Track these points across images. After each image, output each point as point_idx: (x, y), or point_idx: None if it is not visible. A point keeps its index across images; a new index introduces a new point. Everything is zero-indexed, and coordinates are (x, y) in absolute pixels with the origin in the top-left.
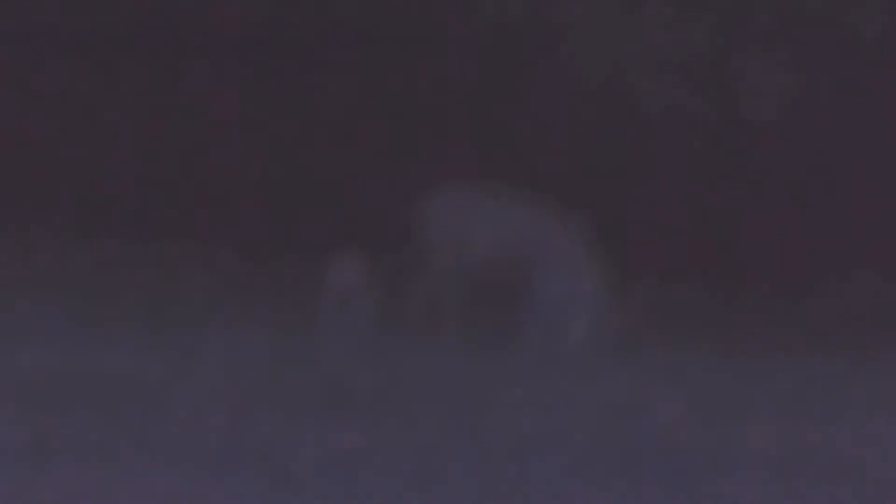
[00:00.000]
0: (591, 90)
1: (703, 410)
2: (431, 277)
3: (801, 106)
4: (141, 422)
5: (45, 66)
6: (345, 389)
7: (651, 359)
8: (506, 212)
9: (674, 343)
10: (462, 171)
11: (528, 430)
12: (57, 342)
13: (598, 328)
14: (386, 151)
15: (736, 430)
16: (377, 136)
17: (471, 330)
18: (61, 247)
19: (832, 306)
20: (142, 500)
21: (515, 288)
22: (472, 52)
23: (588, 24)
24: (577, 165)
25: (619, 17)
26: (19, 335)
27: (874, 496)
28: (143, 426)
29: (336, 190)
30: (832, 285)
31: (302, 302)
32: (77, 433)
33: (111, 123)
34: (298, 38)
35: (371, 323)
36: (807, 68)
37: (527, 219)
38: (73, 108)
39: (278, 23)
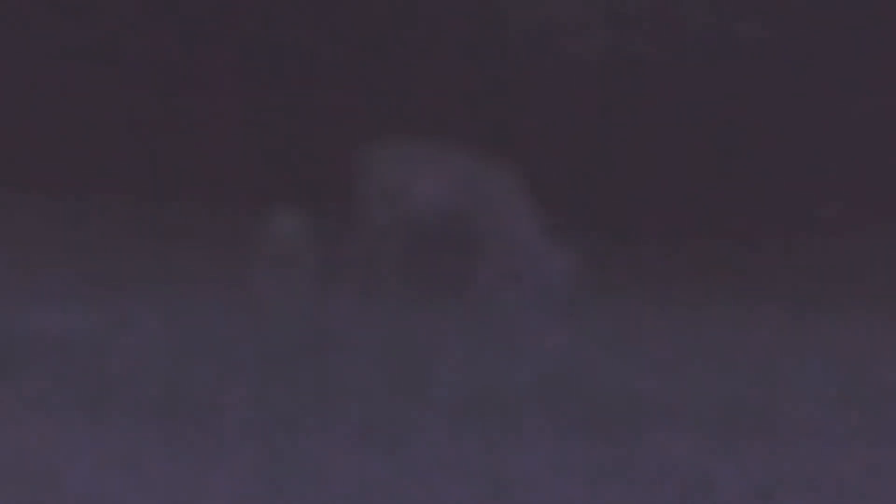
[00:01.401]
0: (528, 40)
1: (640, 362)
2: (371, 231)
3: (748, 54)
4: (81, 378)
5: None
6: (282, 346)
7: (590, 312)
8: (445, 164)
9: (615, 296)
10: (401, 126)
11: (467, 388)
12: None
13: (538, 282)
14: (327, 105)
15: (672, 383)
16: (319, 91)
17: (411, 284)
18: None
19: (774, 258)
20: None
21: (455, 241)
22: (412, 5)
23: None
24: (514, 115)
25: None
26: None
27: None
28: (83, 382)
29: (277, 144)
30: (774, 237)
31: (243, 257)
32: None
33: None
34: None
35: (311, 278)
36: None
37: (465, 170)
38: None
39: None
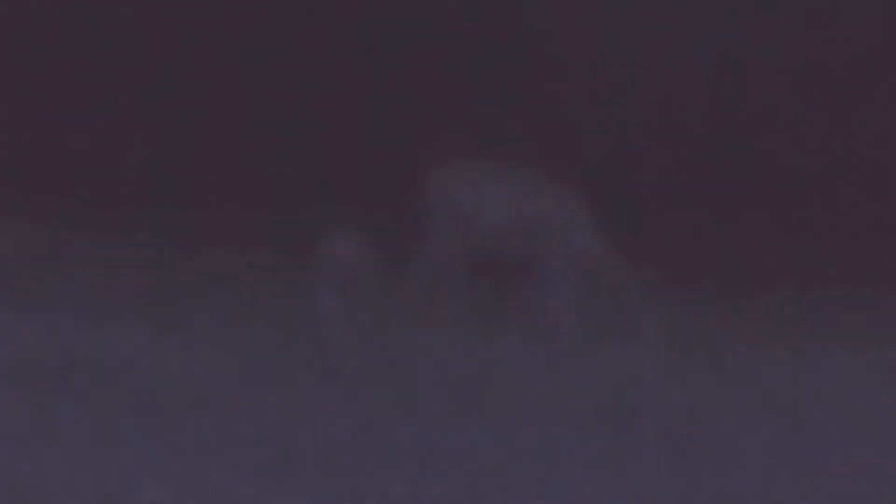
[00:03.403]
0: (586, 61)
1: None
2: (435, 254)
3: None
4: (143, 401)
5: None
6: (345, 368)
7: (656, 331)
8: (510, 185)
9: (684, 315)
10: (466, 147)
11: (529, 402)
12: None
13: (604, 303)
14: (388, 128)
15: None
16: (378, 114)
17: (473, 307)
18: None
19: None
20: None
21: (519, 262)
22: (470, 29)
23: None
24: (578, 136)
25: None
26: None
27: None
28: (145, 406)
29: (337, 166)
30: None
31: (302, 281)
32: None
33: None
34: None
35: (373, 301)
36: None
37: (530, 191)
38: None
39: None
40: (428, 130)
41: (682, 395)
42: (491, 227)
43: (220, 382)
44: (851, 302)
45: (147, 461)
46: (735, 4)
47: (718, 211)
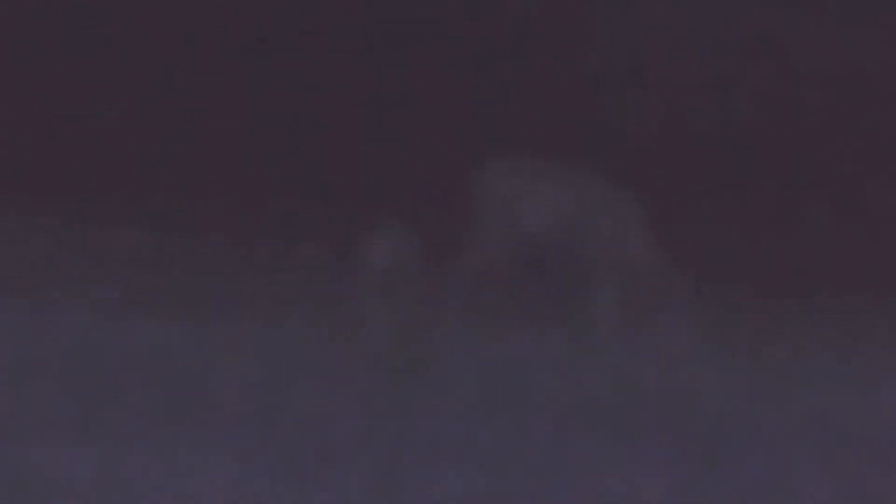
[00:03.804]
0: (630, 71)
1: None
2: (482, 249)
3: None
4: (182, 398)
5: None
6: (384, 364)
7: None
8: (557, 181)
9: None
10: (514, 142)
11: (563, 399)
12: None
13: (650, 302)
14: (436, 123)
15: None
16: (426, 109)
17: (518, 303)
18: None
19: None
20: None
21: (567, 260)
22: (523, 24)
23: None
24: (622, 139)
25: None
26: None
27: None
28: (183, 403)
29: (384, 162)
30: None
31: (346, 277)
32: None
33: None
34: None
35: (418, 296)
36: None
37: (577, 187)
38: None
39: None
40: (476, 127)
41: (719, 396)
42: (538, 224)
43: (261, 379)
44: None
45: (202, 457)
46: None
47: (768, 212)
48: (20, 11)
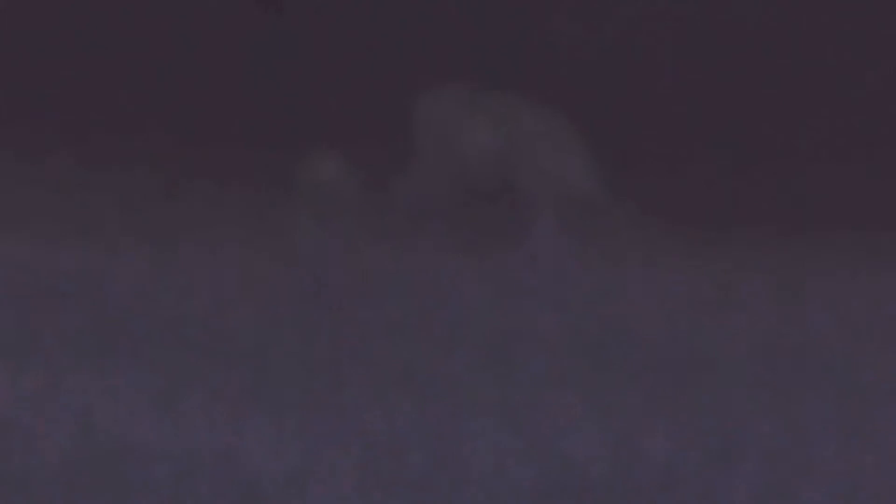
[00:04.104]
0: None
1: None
2: (419, 178)
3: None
4: (125, 318)
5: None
6: (323, 289)
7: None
8: (496, 112)
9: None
10: (453, 73)
11: (501, 326)
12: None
13: (590, 231)
14: (380, 52)
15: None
16: (372, 37)
17: (456, 229)
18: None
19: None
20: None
21: (504, 189)
22: None
23: None
24: (561, 68)
25: None
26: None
27: None
28: (127, 322)
29: (322, 92)
30: None
31: (285, 204)
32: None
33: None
34: None
35: (354, 223)
36: None
37: (517, 118)
38: None
39: None
40: (418, 57)
41: (653, 321)
42: (476, 150)
43: (200, 301)
44: (832, 233)
45: (136, 383)
46: None
47: (703, 142)
48: None
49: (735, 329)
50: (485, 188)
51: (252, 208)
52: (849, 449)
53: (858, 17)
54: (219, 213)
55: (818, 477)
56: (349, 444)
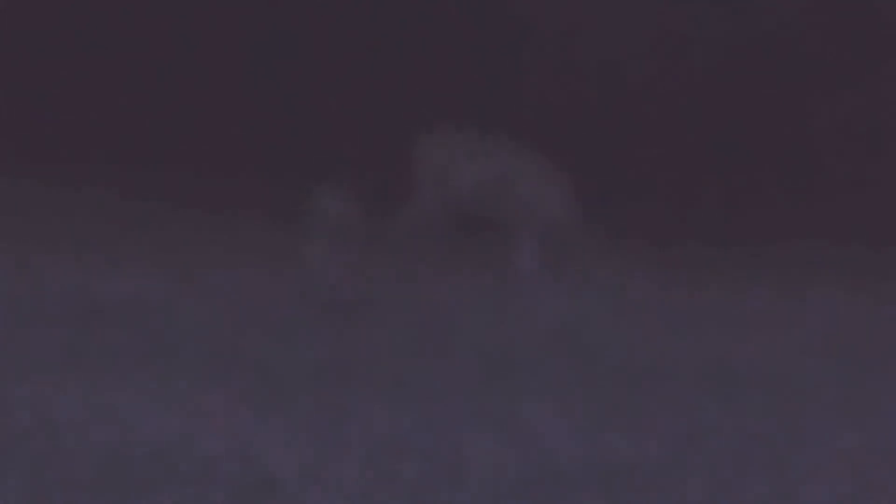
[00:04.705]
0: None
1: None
2: (417, 211)
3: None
4: (147, 338)
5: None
6: (330, 309)
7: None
8: (487, 152)
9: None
10: (449, 115)
11: (488, 340)
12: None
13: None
14: (378, 97)
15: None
16: (373, 74)
17: (451, 256)
18: None
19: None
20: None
21: (491, 219)
22: (459, 12)
23: None
24: (552, 108)
25: None
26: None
27: None
28: (149, 343)
29: (330, 133)
30: None
31: (296, 230)
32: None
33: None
34: None
35: (358, 251)
36: None
37: (505, 158)
38: None
39: None
40: (418, 102)
41: (625, 337)
42: (468, 187)
43: (216, 324)
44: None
45: (166, 390)
46: None
47: (674, 176)
48: None
49: (692, 344)
50: (475, 218)
51: (270, 237)
52: (784, 450)
53: (841, 22)
54: (241, 242)
55: (759, 472)
56: (355, 446)
